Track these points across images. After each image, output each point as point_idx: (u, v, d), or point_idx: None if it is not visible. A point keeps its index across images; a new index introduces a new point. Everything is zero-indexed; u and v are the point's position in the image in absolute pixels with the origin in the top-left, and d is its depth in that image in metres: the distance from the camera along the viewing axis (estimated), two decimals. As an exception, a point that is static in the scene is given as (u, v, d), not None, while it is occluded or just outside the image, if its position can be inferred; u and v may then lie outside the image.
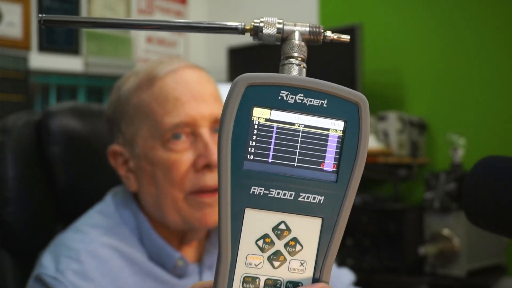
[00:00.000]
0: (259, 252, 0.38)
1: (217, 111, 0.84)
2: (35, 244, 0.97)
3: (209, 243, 0.91)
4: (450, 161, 2.18)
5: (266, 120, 0.36)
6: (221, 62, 3.33)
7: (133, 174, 0.86)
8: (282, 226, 0.37)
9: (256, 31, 0.43)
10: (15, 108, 2.74)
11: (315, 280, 0.39)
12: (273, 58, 2.72)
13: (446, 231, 2.10)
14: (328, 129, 0.37)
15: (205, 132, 0.83)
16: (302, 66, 0.40)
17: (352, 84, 2.48)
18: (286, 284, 0.38)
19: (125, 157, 0.87)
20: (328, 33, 0.43)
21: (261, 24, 0.43)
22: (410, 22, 2.68)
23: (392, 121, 2.37)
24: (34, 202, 1.01)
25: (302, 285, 0.38)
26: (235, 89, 0.36)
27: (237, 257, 0.37)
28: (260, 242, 0.38)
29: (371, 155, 2.36)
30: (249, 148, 0.36)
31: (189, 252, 0.91)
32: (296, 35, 0.42)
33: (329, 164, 0.37)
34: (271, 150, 0.37)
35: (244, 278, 0.38)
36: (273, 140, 0.37)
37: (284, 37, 0.42)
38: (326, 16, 3.04)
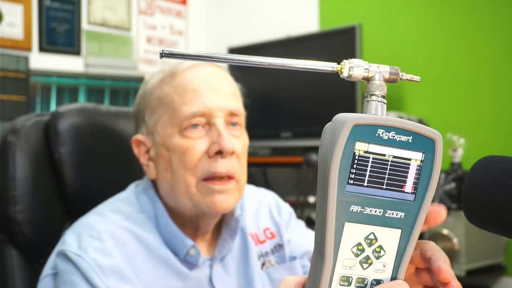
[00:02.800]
0: (353, 256, 0.47)
1: (233, 105, 0.91)
2: (44, 241, 0.99)
3: (221, 238, 0.94)
4: (449, 161, 2.20)
5: (365, 152, 0.45)
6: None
7: (153, 162, 0.92)
8: (372, 236, 0.46)
9: (347, 72, 0.50)
10: (16, 108, 2.75)
11: (393, 278, 0.48)
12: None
13: (445, 231, 2.12)
14: (410, 159, 0.46)
15: (219, 122, 0.88)
16: (383, 102, 0.49)
17: (352, 85, 2.50)
18: (371, 282, 0.47)
19: (147, 146, 0.93)
20: (403, 74, 0.51)
21: (351, 65, 0.51)
22: (410, 23, 2.69)
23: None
24: (43, 201, 1.03)
25: (383, 282, 0.47)
26: (344, 127, 0.45)
27: (336, 260, 0.46)
28: (354, 249, 0.46)
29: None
30: (351, 174, 0.45)
31: (202, 246, 0.95)
32: (378, 76, 0.50)
33: (409, 187, 0.46)
34: (367, 176, 0.45)
35: (340, 277, 0.46)
36: (368, 168, 0.45)
37: (369, 77, 0.50)
38: (326, 16, 3.05)
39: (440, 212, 0.49)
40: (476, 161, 0.72)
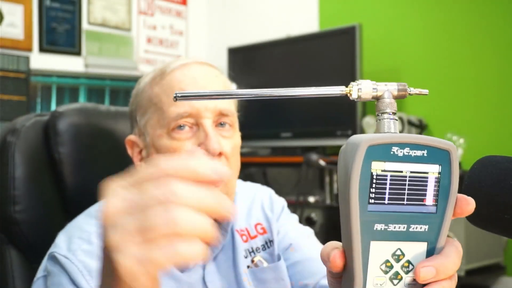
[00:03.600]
0: (382, 274, 0.48)
1: (222, 105, 0.89)
2: (43, 241, 0.99)
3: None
4: (449, 161, 2.20)
5: (382, 170, 0.46)
6: (222, 62, 3.34)
7: (145, 163, 0.92)
8: (399, 252, 0.47)
9: (356, 93, 0.51)
10: (16, 108, 2.76)
11: None
12: (272, 58, 2.75)
13: (445, 231, 2.11)
14: (427, 172, 0.47)
15: (207, 123, 0.87)
16: (395, 119, 0.50)
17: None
18: None
19: (139, 147, 0.93)
20: (411, 89, 0.52)
21: (359, 87, 0.51)
22: (409, 23, 2.70)
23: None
24: (42, 201, 1.03)
25: None
26: (359, 149, 0.45)
27: (366, 279, 0.47)
28: (383, 267, 0.47)
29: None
30: (371, 194, 0.46)
31: None
32: (387, 94, 0.51)
33: (429, 199, 0.47)
34: (387, 193, 0.46)
35: None
36: (387, 186, 0.46)
37: (378, 96, 0.51)
38: (326, 16, 3.05)
39: (469, 201, 0.48)
40: (475, 161, 0.72)
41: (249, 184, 1.09)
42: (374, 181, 0.46)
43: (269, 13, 3.34)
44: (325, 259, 0.50)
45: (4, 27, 2.76)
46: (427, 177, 0.47)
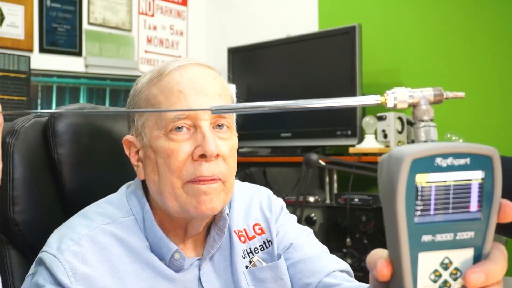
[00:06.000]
0: (432, 283, 0.48)
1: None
2: (42, 242, 0.99)
3: (209, 237, 0.95)
4: (448, 161, 2.20)
5: (426, 182, 0.46)
6: (222, 62, 3.34)
7: (142, 163, 0.93)
8: (446, 261, 0.48)
9: (391, 102, 0.52)
10: (16, 108, 2.76)
11: None
12: (272, 58, 2.76)
13: (445, 230, 2.12)
14: (471, 179, 0.47)
15: (205, 124, 0.88)
16: (433, 126, 0.51)
17: (352, 85, 2.50)
18: None
19: (137, 147, 0.93)
20: (448, 93, 0.52)
21: (395, 95, 0.51)
22: (409, 23, 2.70)
23: (392, 121, 2.39)
24: (41, 201, 1.03)
25: None
26: (403, 164, 0.46)
27: None
28: (432, 276, 0.48)
29: (371, 155, 2.38)
30: (416, 206, 0.47)
31: (190, 246, 0.95)
32: (424, 100, 0.51)
33: (474, 206, 0.47)
34: (432, 204, 0.47)
35: None
36: (433, 197, 0.47)
37: (414, 103, 0.51)
38: (326, 16, 3.06)
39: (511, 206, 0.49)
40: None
41: (247, 184, 1.09)
42: (420, 193, 0.46)
43: (269, 13, 3.35)
44: (372, 267, 0.50)
45: (5, 27, 2.77)
46: (470, 184, 0.47)
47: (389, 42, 2.75)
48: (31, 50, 2.87)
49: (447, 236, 0.47)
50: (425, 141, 0.51)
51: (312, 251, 1.00)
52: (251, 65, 3.13)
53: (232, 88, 3.13)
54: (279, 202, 1.07)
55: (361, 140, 2.51)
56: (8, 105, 2.75)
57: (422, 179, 0.46)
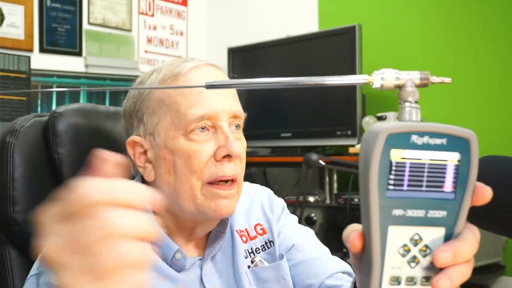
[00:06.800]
0: (400, 258, 0.49)
1: (236, 107, 0.91)
2: (42, 242, 0.99)
3: (211, 237, 0.95)
4: (449, 161, 2.20)
5: (402, 158, 0.47)
6: (222, 62, 3.34)
7: (150, 164, 0.91)
8: (416, 237, 0.49)
9: (378, 82, 0.52)
10: (16, 108, 2.76)
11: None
12: (272, 58, 2.75)
13: (445, 230, 2.12)
14: (446, 160, 0.48)
15: (225, 125, 0.88)
16: (416, 108, 0.53)
17: (352, 85, 2.50)
18: (421, 280, 0.50)
19: (144, 148, 0.92)
20: (434, 78, 0.53)
21: (382, 76, 0.52)
22: (409, 23, 2.70)
23: (391, 121, 2.39)
24: (41, 201, 1.03)
25: (432, 278, 0.49)
26: (379, 138, 0.47)
27: (384, 262, 0.49)
28: (401, 250, 0.49)
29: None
30: (390, 181, 0.47)
31: (192, 246, 0.95)
32: (410, 83, 0.53)
33: (448, 186, 0.48)
34: (406, 180, 0.48)
35: (390, 278, 0.49)
36: (407, 172, 0.48)
37: (400, 84, 0.52)
38: (326, 16, 3.06)
39: (486, 189, 0.49)
40: (475, 161, 0.71)
41: (247, 184, 1.09)
42: (394, 168, 0.47)
43: (269, 13, 3.35)
44: (346, 240, 0.52)
45: (5, 27, 2.77)
46: (446, 165, 0.48)
47: (389, 42, 2.75)
48: (31, 50, 2.87)
49: (419, 213, 0.48)
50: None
51: (314, 252, 1.00)
52: (251, 65, 3.13)
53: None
54: (280, 203, 1.07)
55: (361, 140, 2.50)
56: (8, 105, 2.75)
57: (397, 154, 0.47)
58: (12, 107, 2.76)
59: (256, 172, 3.09)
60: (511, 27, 2.38)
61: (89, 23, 3.13)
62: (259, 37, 3.15)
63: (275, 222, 1.02)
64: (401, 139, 0.47)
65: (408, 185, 0.48)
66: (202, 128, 0.87)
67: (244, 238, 0.99)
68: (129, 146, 0.93)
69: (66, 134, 1.04)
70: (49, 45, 2.96)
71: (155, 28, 3.44)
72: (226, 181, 0.88)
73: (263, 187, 1.10)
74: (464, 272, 0.49)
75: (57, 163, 1.04)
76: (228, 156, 0.86)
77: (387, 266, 0.49)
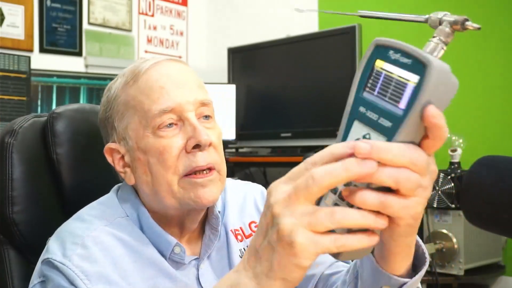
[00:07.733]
0: None
1: (201, 96, 0.91)
2: (41, 242, 0.99)
3: (205, 237, 0.95)
4: (448, 160, 2.20)
5: (381, 68, 0.55)
6: (222, 62, 3.34)
7: (129, 168, 0.92)
8: (368, 136, 0.55)
9: (433, 20, 0.62)
10: (16, 108, 2.76)
11: None
12: (272, 58, 2.75)
13: (444, 231, 2.12)
14: (408, 80, 0.52)
15: (191, 115, 0.88)
16: (439, 45, 0.59)
17: (352, 85, 2.50)
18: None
19: (121, 153, 0.92)
20: (469, 23, 0.59)
21: (439, 16, 0.61)
22: (409, 23, 2.69)
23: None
24: (40, 201, 1.03)
25: None
26: (369, 47, 0.56)
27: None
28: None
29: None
30: (368, 83, 0.56)
31: (187, 247, 0.95)
32: (448, 24, 0.60)
33: (403, 104, 0.52)
34: (378, 87, 0.55)
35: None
36: (380, 81, 0.55)
37: (441, 22, 0.61)
38: (326, 16, 3.05)
39: (434, 113, 0.53)
40: (475, 161, 0.72)
41: (239, 182, 1.09)
42: (374, 74, 0.55)
43: (269, 13, 3.34)
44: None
45: (5, 27, 2.77)
46: (407, 84, 0.52)
47: (389, 42, 2.75)
48: (31, 50, 2.87)
49: (373, 116, 0.54)
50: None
51: None
52: (251, 65, 3.13)
53: (232, 88, 3.13)
54: None
55: (361, 140, 2.50)
56: (8, 105, 2.75)
57: (379, 64, 0.55)
58: (12, 107, 2.76)
59: (256, 172, 3.09)
60: (510, 26, 2.38)
61: (89, 23, 3.13)
62: (259, 37, 3.15)
63: None
64: (384, 52, 0.55)
65: (378, 92, 0.54)
66: (170, 125, 0.87)
67: (239, 237, 0.99)
68: (107, 154, 0.94)
69: (65, 134, 1.04)
70: (49, 45, 2.96)
71: (155, 28, 3.44)
72: (203, 171, 0.88)
73: (256, 184, 1.10)
74: (393, 174, 0.50)
75: (55, 163, 1.04)
76: (198, 146, 0.86)
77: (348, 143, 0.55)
